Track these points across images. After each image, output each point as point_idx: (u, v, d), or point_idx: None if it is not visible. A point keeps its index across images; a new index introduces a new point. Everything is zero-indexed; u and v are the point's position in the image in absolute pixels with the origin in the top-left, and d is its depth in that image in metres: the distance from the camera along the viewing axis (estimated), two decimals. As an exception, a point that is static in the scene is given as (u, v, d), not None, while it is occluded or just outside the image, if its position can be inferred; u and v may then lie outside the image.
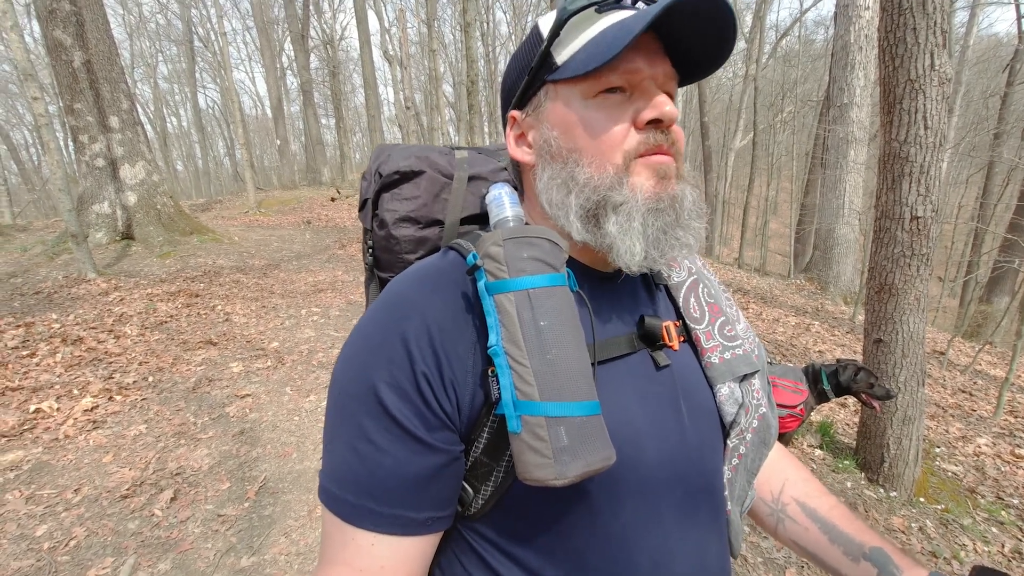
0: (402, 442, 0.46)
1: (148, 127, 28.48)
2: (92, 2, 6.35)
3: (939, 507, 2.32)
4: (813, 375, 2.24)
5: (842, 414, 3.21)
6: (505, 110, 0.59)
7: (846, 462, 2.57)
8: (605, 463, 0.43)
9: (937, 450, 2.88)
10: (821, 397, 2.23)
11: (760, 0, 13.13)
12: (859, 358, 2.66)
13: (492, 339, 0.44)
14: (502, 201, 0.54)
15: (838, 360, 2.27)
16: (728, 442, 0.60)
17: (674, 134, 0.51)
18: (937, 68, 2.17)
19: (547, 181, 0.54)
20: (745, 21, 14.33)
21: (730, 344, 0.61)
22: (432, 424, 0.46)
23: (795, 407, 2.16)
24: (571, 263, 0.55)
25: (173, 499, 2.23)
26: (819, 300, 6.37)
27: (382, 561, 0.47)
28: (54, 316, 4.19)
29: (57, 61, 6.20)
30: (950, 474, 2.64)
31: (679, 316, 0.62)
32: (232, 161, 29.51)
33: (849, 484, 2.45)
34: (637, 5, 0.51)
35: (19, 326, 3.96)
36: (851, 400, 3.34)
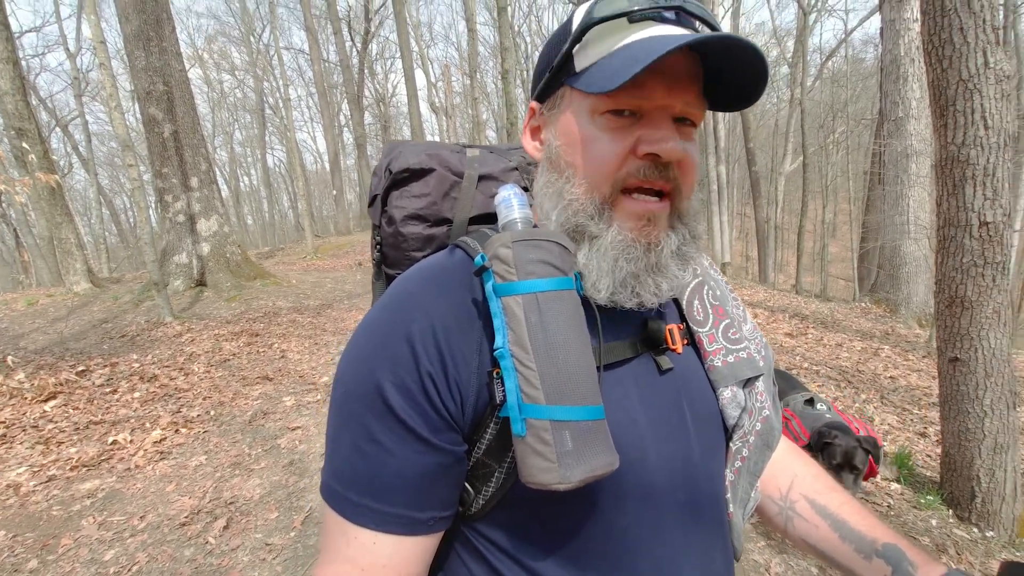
0: (406, 442, 0.46)
1: (223, 186, 31.54)
2: (181, 82, 7.29)
3: (1052, 552, 1.99)
4: None
5: (922, 444, 2.88)
6: (531, 96, 0.58)
7: (929, 497, 2.29)
8: (608, 468, 0.42)
9: (1046, 488, 2.49)
10: None
11: (802, 25, 12.98)
12: (935, 383, 2.41)
13: (499, 341, 0.44)
14: (511, 203, 0.53)
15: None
16: (730, 445, 0.58)
17: (678, 169, 0.49)
18: (992, 66, 2.04)
19: (542, 187, 0.54)
20: (787, 47, 14.14)
21: (734, 347, 0.59)
22: (436, 424, 0.46)
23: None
24: None
25: (226, 527, 2.31)
26: (889, 323, 5.86)
27: (384, 559, 0.47)
28: (135, 356, 4.60)
29: (151, 133, 7.09)
30: (1064, 515, 2.27)
31: (683, 319, 0.61)
32: (295, 213, 31.93)
33: (935, 523, 2.16)
34: (675, 18, 0.48)
35: (106, 366, 4.37)
36: (932, 429, 3.00)
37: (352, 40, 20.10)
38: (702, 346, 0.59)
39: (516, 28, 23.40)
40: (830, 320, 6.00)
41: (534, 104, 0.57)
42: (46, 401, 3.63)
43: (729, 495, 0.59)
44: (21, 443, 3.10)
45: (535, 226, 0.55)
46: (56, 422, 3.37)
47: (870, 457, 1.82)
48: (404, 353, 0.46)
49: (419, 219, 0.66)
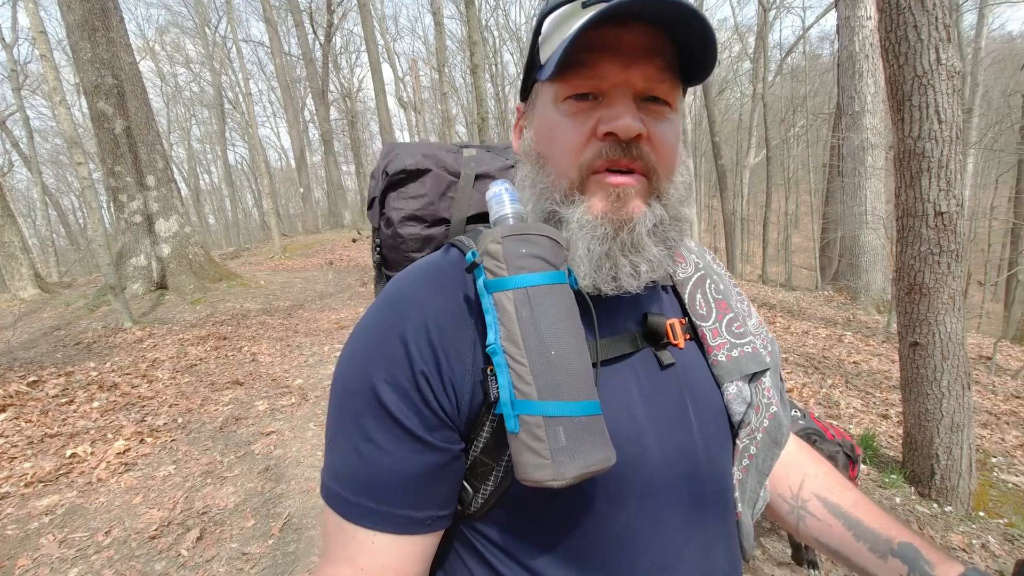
0: (402, 441, 0.45)
1: (182, 185, 30.20)
2: (132, 75, 6.91)
3: (1002, 521, 2.13)
4: None
5: (885, 425, 3.03)
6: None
7: (893, 476, 2.41)
8: (604, 464, 0.41)
9: (994, 460, 2.67)
10: None
11: (762, 21, 13.36)
12: (895, 367, 2.53)
13: (491, 337, 0.44)
14: (502, 198, 0.52)
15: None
16: (738, 442, 0.58)
17: (649, 146, 0.47)
18: (944, 62, 2.14)
19: (520, 180, 0.54)
20: (748, 42, 14.54)
21: (738, 341, 0.58)
22: (432, 423, 0.46)
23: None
24: None
25: (199, 538, 2.22)
26: (850, 310, 6.14)
27: (383, 559, 0.46)
28: (92, 365, 4.36)
29: (100, 129, 6.71)
30: (1011, 485, 2.43)
31: (685, 313, 0.60)
32: (259, 211, 30.92)
33: (899, 500, 2.28)
34: None
35: (60, 375, 4.13)
36: (893, 411, 3.16)
37: (315, 33, 19.50)
38: (705, 341, 0.58)
39: (484, 22, 23.21)
40: (796, 308, 6.24)
41: (519, 105, 0.57)
42: (-5, 415, 3.40)
43: (737, 494, 0.58)
44: (-32, 461, 2.90)
45: (526, 221, 0.54)
46: (7, 436, 3.17)
47: (850, 462, 1.87)
48: (398, 352, 0.46)
49: (416, 220, 0.66)
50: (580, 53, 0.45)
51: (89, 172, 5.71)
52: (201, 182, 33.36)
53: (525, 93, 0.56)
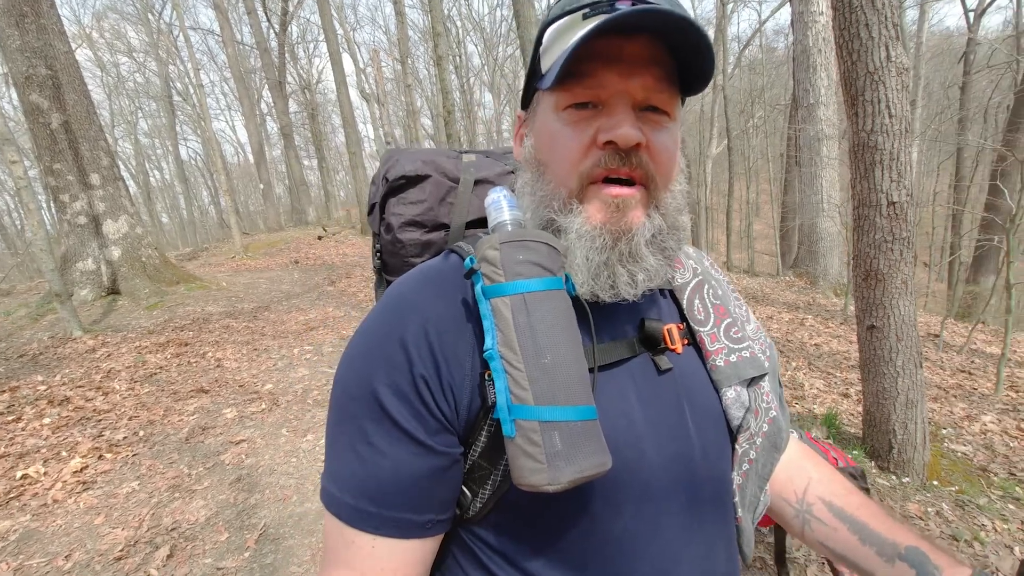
0: (402, 444, 0.45)
1: (131, 182, 28.56)
2: (68, 65, 6.44)
3: (953, 489, 2.29)
4: None
5: (846, 404, 3.20)
6: None
7: (855, 452, 2.55)
8: (599, 469, 0.42)
9: (944, 432, 2.86)
10: None
11: (720, 15, 13.66)
12: (854, 348, 2.66)
13: (488, 342, 0.44)
14: (500, 205, 0.53)
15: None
16: (737, 447, 0.58)
17: (647, 155, 0.48)
18: (894, 59, 2.24)
19: (520, 187, 0.55)
20: (709, 34, 14.84)
21: (736, 346, 0.59)
22: (431, 426, 0.46)
23: None
24: None
25: (169, 556, 2.13)
26: (810, 295, 6.43)
27: (383, 563, 0.46)
28: (40, 378, 4.09)
29: (35, 124, 6.23)
30: (960, 455, 2.62)
31: (684, 318, 0.60)
32: (217, 209, 29.58)
33: (861, 475, 2.42)
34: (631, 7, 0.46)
35: (3, 391, 3.86)
36: (853, 390, 3.34)
37: (268, 21, 18.69)
38: (704, 346, 0.58)
39: (446, 12, 22.81)
40: (760, 294, 6.48)
41: (520, 112, 0.58)
42: (-69, 438, 3.15)
43: (737, 499, 0.58)
44: (-97, 489, 2.68)
45: (525, 227, 0.55)
46: (-54, 460, 2.94)
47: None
48: (398, 356, 0.46)
49: (416, 225, 0.67)
50: (581, 63, 0.46)
51: (25, 171, 5.31)
52: (152, 179, 31.61)
53: (526, 101, 0.57)
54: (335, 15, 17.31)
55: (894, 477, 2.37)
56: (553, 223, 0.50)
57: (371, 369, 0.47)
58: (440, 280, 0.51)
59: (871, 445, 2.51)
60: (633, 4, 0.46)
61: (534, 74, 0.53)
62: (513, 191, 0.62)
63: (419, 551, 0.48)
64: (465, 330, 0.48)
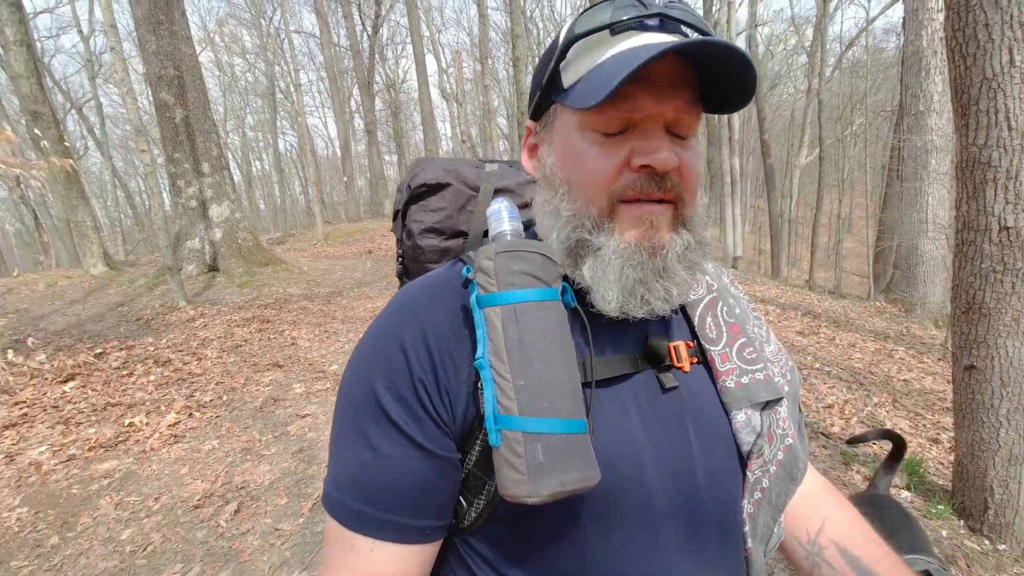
0: (402, 448, 0.46)
1: (236, 171, 31.66)
2: (191, 67, 7.29)
3: (1061, 563, 1.98)
4: None
5: (934, 451, 2.86)
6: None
7: (940, 507, 2.27)
8: (582, 483, 0.41)
9: (1057, 496, 2.47)
10: None
11: (821, 13, 12.63)
12: (951, 387, 2.37)
13: (479, 351, 0.44)
14: (501, 215, 0.53)
15: None
16: (748, 474, 0.56)
17: (677, 176, 0.48)
18: (1018, 64, 1.98)
19: (540, 204, 0.54)
20: (806, 35, 13.78)
21: (749, 368, 0.56)
22: (430, 430, 0.46)
23: None
24: None
25: (237, 511, 2.37)
26: (904, 323, 5.78)
27: (381, 567, 0.47)
28: (150, 340, 4.68)
29: (162, 118, 7.13)
30: (1075, 525, 2.25)
31: (695, 336, 0.59)
32: (306, 198, 32.07)
33: (945, 533, 2.16)
34: (658, 25, 0.47)
35: (122, 349, 4.46)
36: (945, 436, 2.97)
37: (362, 24, 19.91)
38: (714, 365, 0.56)
39: (528, 14, 23.01)
40: (843, 319, 5.93)
41: (529, 124, 0.56)
42: (65, 382, 3.72)
43: (748, 528, 0.56)
44: (42, 423, 3.19)
45: (525, 237, 0.55)
46: (75, 403, 3.46)
47: None
48: (398, 360, 0.47)
49: (435, 232, 0.69)
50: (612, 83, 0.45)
51: (152, 159, 6.10)
52: (253, 168, 34.92)
53: (537, 112, 0.54)
54: (423, 18, 18.09)
55: (987, 542, 2.09)
56: (586, 243, 0.49)
57: (372, 373, 0.47)
58: (443, 288, 0.52)
59: (961, 501, 2.23)
60: (661, 21, 0.46)
61: (553, 86, 0.51)
62: (518, 204, 0.62)
63: (417, 557, 0.48)
64: (463, 338, 0.48)
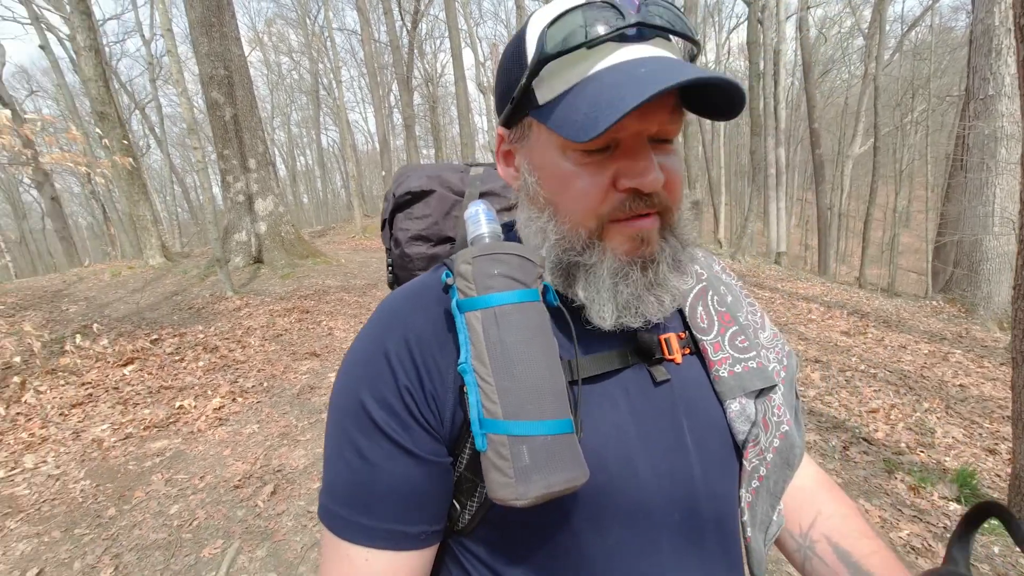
0: (392, 456, 0.46)
1: (281, 167, 32.95)
2: (240, 66, 7.63)
3: None
4: None
5: (990, 462, 2.66)
6: (498, 116, 0.54)
7: (994, 522, 2.12)
8: (569, 484, 0.41)
9: None
10: None
11: (881, -9, 11.80)
12: (1011, 395, 2.20)
13: (462, 356, 0.44)
14: (478, 218, 0.52)
15: None
16: (745, 463, 0.55)
17: (663, 191, 0.46)
18: (1100, 44, 1.79)
19: (525, 221, 0.53)
20: (863, 16, 12.92)
21: (742, 356, 0.56)
22: (419, 437, 0.47)
23: None
24: None
25: (273, 493, 2.50)
26: (963, 324, 5.38)
27: None
28: (200, 328, 4.98)
29: (213, 116, 7.51)
30: None
31: (686, 326, 0.58)
32: (346, 192, 33.03)
33: (997, 550, 2.02)
34: (635, 34, 0.44)
35: (175, 336, 4.77)
36: (1004, 446, 2.76)
37: (402, 19, 20.19)
38: (707, 355, 0.56)
39: (567, 3, 22.63)
40: (894, 319, 5.59)
41: (501, 131, 0.54)
42: (125, 365, 4.02)
43: (747, 517, 0.56)
44: (104, 403, 3.46)
45: (503, 240, 0.53)
46: (133, 385, 3.73)
47: None
48: (383, 368, 0.47)
49: (422, 239, 0.70)
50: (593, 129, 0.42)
51: (204, 156, 6.44)
52: (298, 164, 36.26)
53: (510, 120, 0.51)
54: (460, 11, 18.14)
55: (1044, 560, 1.93)
56: (577, 264, 0.48)
57: (359, 383, 0.48)
58: (426, 294, 0.51)
59: (1017, 516, 2.07)
60: (639, 30, 0.43)
61: (524, 99, 0.48)
62: (503, 207, 0.63)
63: (413, 562, 0.48)
64: (446, 343, 0.48)
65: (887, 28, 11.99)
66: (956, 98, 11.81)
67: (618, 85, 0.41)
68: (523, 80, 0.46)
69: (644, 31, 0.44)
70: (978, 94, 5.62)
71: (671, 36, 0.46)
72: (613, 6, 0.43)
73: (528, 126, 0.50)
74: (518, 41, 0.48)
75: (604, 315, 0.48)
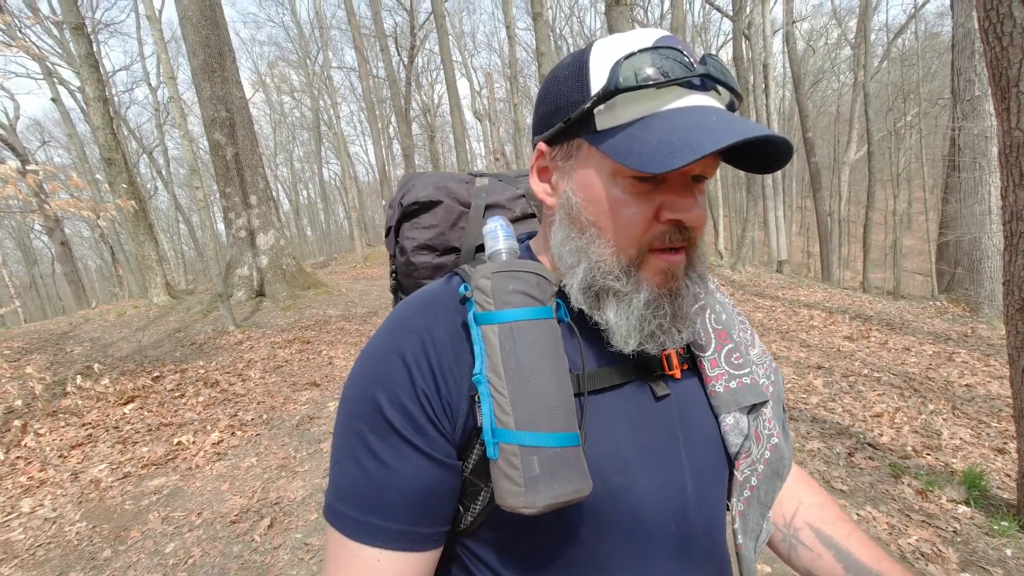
0: (408, 458, 0.47)
1: (284, 201, 33.52)
2: (241, 108, 7.87)
3: None
4: None
5: (1000, 462, 2.59)
6: (535, 132, 0.55)
7: (1004, 523, 2.05)
8: (576, 495, 0.43)
9: None
10: None
11: (864, 3, 12.05)
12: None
13: (477, 367, 0.46)
14: (496, 234, 0.54)
15: None
16: (737, 474, 0.58)
17: (693, 228, 0.49)
18: (1060, 40, 1.82)
19: (562, 239, 0.53)
20: (849, 27, 13.16)
21: (737, 372, 0.59)
22: (435, 440, 0.48)
23: None
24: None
25: (270, 526, 2.47)
26: (968, 324, 5.29)
27: None
28: (201, 363, 5.01)
29: (215, 156, 7.72)
30: None
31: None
32: (349, 223, 33.47)
33: (1010, 552, 1.94)
34: (700, 84, 0.47)
35: (176, 372, 4.79)
36: (1012, 445, 2.69)
37: (399, 55, 20.83)
38: (704, 371, 0.58)
39: (558, 31, 23.33)
40: (898, 321, 5.51)
41: (543, 147, 0.54)
42: (126, 404, 4.04)
43: (738, 525, 0.59)
44: (104, 442, 3.46)
45: (520, 257, 0.55)
46: (133, 423, 3.74)
47: None
48: (400, 372, 0.48)
49: (428, 249, 0.71)
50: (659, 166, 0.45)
51: (205, 195, 6.59)
52: (301, 198, 36.90)
53: (556, 139, 0.52)
54: (455, 43, 18.71)
55: (1060, 563, 1.86)
56: (612, 290, 0.50)
57: (375, 386, 0.48)
58: (440, 302, 0.53)
59: (1028, 518, 2.00)
60: (702, 82, 0.47)
61: (581, 122, 0.49)
62: (531, 215, 0.66)
63: (423, 563, 0.49)
64: (461, 352, 0.49)
65: (873, 37, 12.20)
66: (947, 101, 11.90)
67: (692, 128, 0.44)
68: (586, 105, 0.47)
69: (707, 82, 0.48)
70: (964, 95, 5.68)
71: (720, 88, 0.49)
72: (683, 54, 0.46)
73: (577, 147, 0.51)
74: (579, 67, 0.49)
75: (629, 341, 0.50)
